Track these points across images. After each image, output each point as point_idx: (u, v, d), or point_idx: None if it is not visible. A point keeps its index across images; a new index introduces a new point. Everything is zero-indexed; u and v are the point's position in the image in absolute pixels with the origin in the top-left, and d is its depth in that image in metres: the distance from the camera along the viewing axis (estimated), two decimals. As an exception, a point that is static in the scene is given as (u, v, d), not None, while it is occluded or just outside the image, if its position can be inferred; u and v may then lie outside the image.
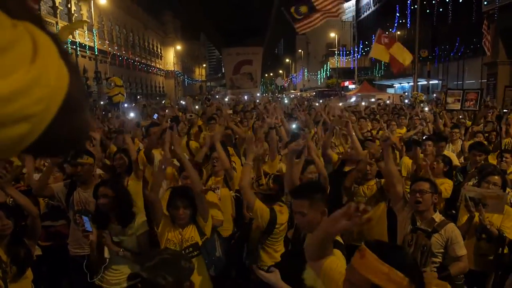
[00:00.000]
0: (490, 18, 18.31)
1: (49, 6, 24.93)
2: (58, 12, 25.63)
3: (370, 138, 6.06)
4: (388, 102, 15.97)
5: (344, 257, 2.05)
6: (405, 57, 14.65)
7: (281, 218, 3.11)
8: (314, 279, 2.02)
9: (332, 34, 43.90)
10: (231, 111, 9.89)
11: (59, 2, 25.81)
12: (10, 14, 0.42)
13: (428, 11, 23.96)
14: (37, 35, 0.44)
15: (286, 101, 17.15)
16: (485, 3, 18.82)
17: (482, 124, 7.38)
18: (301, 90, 50.98)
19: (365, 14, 43.19)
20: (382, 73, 36.86)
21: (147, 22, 44.98)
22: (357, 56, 38.79)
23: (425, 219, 2.93)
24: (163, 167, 2.95)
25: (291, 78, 63.59)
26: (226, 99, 15.49)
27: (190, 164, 3.16)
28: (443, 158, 4.45)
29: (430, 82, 25.43)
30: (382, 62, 34.55)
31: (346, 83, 43.32)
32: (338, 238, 2.18)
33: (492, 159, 4.85)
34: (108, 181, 3.24)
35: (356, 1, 47.23)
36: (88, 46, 27.51)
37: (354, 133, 4.49)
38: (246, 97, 24.24)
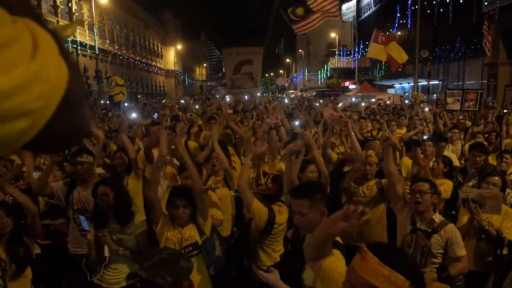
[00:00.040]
0: (490, 19, 18.29)
1: (50, 5, 24.92)
2: (59, 11, 25.62)
3: (370, 138, 6.06)
4: (388, 102, 15.97)
5: (344, 257, 2.05)
6: (402, 56, 14.86)
7: (279, 218, 3.11)
8: (314, 279, 2.02)
9: (333, 34, 43.88)
10: (231, 111, 9.89)
11: (60, 1, 25.80)
12: (10, 11, 0.42)
13: (428, 11, 23.94)
14: (37, 31, 0.45)
15: (286, 101, 17.14)
16: (486, 3, 18.81)
17: (482, 125, 7.38)
18: (301, 90, 50.96)
19: (366, 14, 43.17)
20: (382, 74, 36.85)
21: (148, 21, 44.97)
22: (358, 56, 38.76)
23: (425, 219, 2.93)
24: (159, 165, 2.94)
25: (292, 78, 63.57)
26: (228, 99, 15.51)
27: (191, 163, 3.16)
28: (443, 159, 4.45)
29: (431, 82, 25.42)
30: (383, 63, 34.56)
31: (347, 83, 43.30)
32: (338, 238, 2.18)
33: (492, 160, 4.84)
34: (107, 180, 3.24)
35: (356, 1, 47.23)
36: (89, 45, 27.51)
37: (353, 133, 4.49)
38: (246, 97, 24.23)
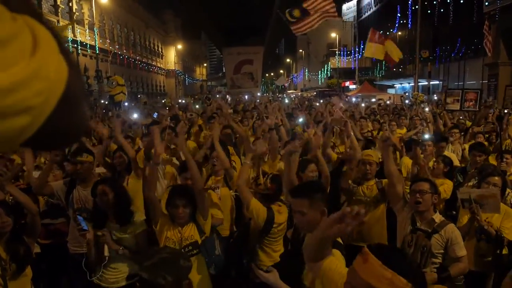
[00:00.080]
0: (491, 19, 18.29)
1: (51, 5, 24.92)
2: (59, 10, 25.62)
3: (370, 138, 6.06)
4: (388, 102, 15.98)
5: (344, 257, 2.04)
6: (397, 54, 15.22)
7: (279, 218, 3.11)
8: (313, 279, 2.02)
9: (333, 34, 43.85)
10: (231, 110, 9.89)
11: (61, 1, 25.80)
12: (9, 8, 0.42)
13: (429, 11, 23.93)
14: (36, 28, 0.45)
15: (286, 101, 17.15)
16: (486, 3, 18.80)
17: (483, 125, 7.37)
18: (301, 90, 50.95)
19: (366, 14, 43.16)
20: (383, 74, 36.83)
21: (148, 21, 44.97)
22: (358, 56, 38.76)
23: (425, 219, 2.92)
24: (155, 164, 2.94)
25: (292, 78, 63.57)
26: (229, 99, 15.58)
27: (193, 161, 3.16)
28: (444, 159, 4.44)
29: (431, 82, 25.40)
30: (383, 62, 34.55)
31: (347, 83, 43.29)
32: (337, 238, 2.18)
33: (493, 160, 4.84)
34: (106, 180, 3.24)
35: (357, 1, 47.23)
36: (89, 44, 27.51)
37: (352, 133, 4.50)
38: (246, 96, 24.23)
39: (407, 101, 14.77)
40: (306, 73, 55.26)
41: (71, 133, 0.52)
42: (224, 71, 54.20)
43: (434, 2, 24.12)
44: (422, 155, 4.58)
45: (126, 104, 12.44)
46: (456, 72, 25.03)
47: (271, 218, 3.06)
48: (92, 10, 26.71)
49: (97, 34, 27.81)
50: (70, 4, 27.29)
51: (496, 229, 3.20)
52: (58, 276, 4.08)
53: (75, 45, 25.12)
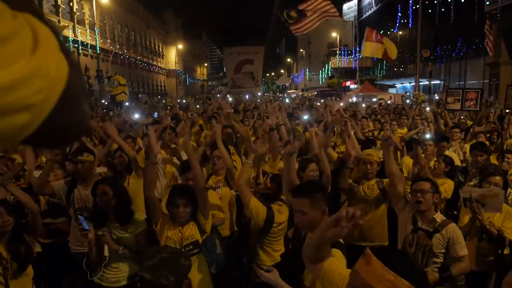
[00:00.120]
0: (492, 18, 18.26)
1: (51, 5, 24.93)
2: (60, 10, 25.64)
3: (371, 137, 6.05)
4: (389, 102, 15.97)
5: (345, 257, 2.04)
6: (395, 51, 15.69)
7: (279, 217, 3.11)
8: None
9: (334, 34, 43.84)
10: (232, 110, 9.89)
11: (61, 1, 25.82)
12: (10, 5, 0.42)
13: (430, 11, 23.92)
14: (37, 26, 0.45)
15: (287, 101, 17.16)
16: (488, 3, 18.78)
17: (484, 125, 7.36)
18: (302, 90, 50.95)
19: (367, 14, 43.15)
20: (383, 73, 36.83)
21: (149, 21, 44.98)
22: (359, 56, 38.75)
23: (426, 219, 2.92)
24: (152, 163, 2.94)
25: (293, 78, 63.56)
26: (230, 99, 15.58)
27: (196, 161, 3.16)
28: (445, 158, 4.44)
29: (432, 82, 25.37)
30: (384, 62, 34.53)
31: (348, 83, 43.29)
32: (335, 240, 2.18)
33: (494, 160, 4.83)
34: (106, 179, 3.25)
35: (358, 1, 47.22)
36: (90, 44, 27.52)
37: (352, 133, 4.49)
38: (247, 96, 24.23)
39: (408, 101, 14.76)
40: (307, 72, 55.27)
41: (72, 131, 0.52)
42: (224, 71, 54.17)
43: (435, 2, 24.10)
44: (423, 155, 4.57)
45: (127, 104, 12.46)
46: (457, 72, 25.01)
47: (271, 218, 3.06)
48: (93, 10, 26.72)
49: (98, 34, 27.81)
50: (71, 4, 27.31)
51: (498, 228, 3.20)
52: (59, 275, 4.08)
53: (76, 45, 25.14)
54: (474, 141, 5.87)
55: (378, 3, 38.57)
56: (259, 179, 3.28)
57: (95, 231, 2.95)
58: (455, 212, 3.97)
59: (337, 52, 43.91)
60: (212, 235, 2.94)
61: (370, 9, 41.83)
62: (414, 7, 25.74)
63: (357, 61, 38.79)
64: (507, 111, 7.86)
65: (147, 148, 4.52)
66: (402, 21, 29.87)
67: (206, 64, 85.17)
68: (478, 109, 8.25)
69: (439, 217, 2.93)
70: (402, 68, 33.00)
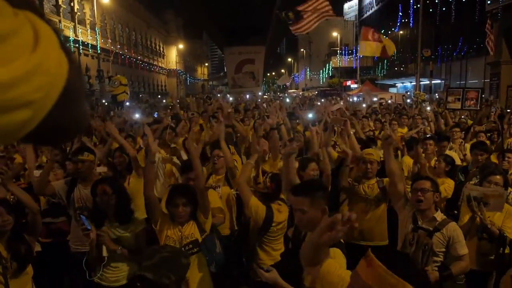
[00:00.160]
0: (493, 18, 18.22)
1: (52, 5, 24.95)
2: (61, 10, 25.66)
3: (372, 137, 6.05)
4: (390, 101, 15.97)
5: (345, 256, 2.04)
6: (392, 48, 16.05)
7: (278, 217, 3.11)
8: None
9: (335, 34, 43.83)
10: (232, 109, 9.90)
11: (62, 1, 25.83)
12: (11, 3, 0.43)
13: (431, 10, 23.89)
14: (37, 24, 0.45)
15: (288, 100, 17.17)
16: (489, 2, 18.74)
17: (485, 124, 7.35)
18: (303, 90, 50.95)
19: (368, 13, 43.12)
20: (384, 73, 36.79)
21: (150, 21, 44.99)
22: (360, 55, 38.71)
23: (427, 218, 2.91)
24: (150, 163, 2.94)
25: (293, 77, 63.55)
26: (231, 99, 15.63)
27: (199, 160, 3.16)
28: (445, 158, 4.43)
29: (433, 81, 25.33)
30: (385, 62, 34.49)
31: (348, 83, 43.25)
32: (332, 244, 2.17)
33: (495, 159, 4.82)
34: (106, 179, 3.25)
35: (358, 1, 47.18)
36: (91, 44, 27.54)
37: (353, 132, 4.49)
38: (248, 96, 24.23)
39: (408, 100, 14.75)
40: (308, 72, 55.26)
41: (72, 128, 0.53)
42: (225, 70, 54.18)
43: (436, 1, 24.08)
44: (423, 154, 4.56)
45: (127, 103, 12.46)
46: (458, 71, 24.97)
47: (270, 217, 3.06)
48: (94, 10, 26.75)
49: (98, 34, 27.82)
50: (72, 4, 27.32)
51: (498, 228, 3.19)
52: (59, 275, 4.09)
53: (77, 45, 25.13)
54: (474, 140, 5.87)
55: (379, 2, 38.55)
56: (259, 179, 3.29)
57: (97, 231, 2.95)
58: (456, 212, 3.96)
59: (338, 51, 43.88)
60: (211, 234, 2.94)
61: (371, 9, 41.80)
62: (415, 7, 25.72)
63: (358, 61, 38.72)
64: (507, 111, 7.85)
65: (147, 147, 4.54)
66: (403, 20, 29.84)
67: (206, 64, 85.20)
68: (479, 108, 8.23)
69: (439, 216, 2.92)
70: (402, 67, 32.97)
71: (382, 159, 3.88)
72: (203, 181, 3.07)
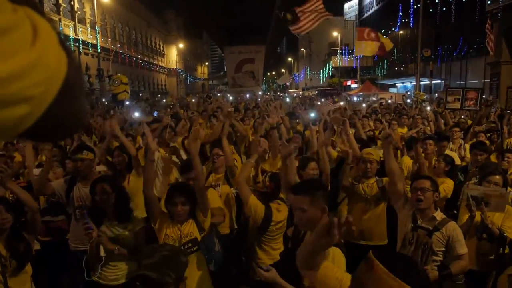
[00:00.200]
0: (493, 18, 18.23)
1: (52, 4, 24.93)
2: (61, 9, 25.64)
3: (372, 137, 6.05)
4: (390, 101, 15.98)
5: (344, 255, 2.04)
6: (389, 45, 16.22)
7: (277, 216, 3.11)
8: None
9: (335, 33, 43.83)
10: (231, 109, 9.90)
11: (63, 0, 25.83)
12: None
13: (431, 10, 23.89)
14: (36, 20, 0.45)
15: (288, 100, 17.18)
16: (489, 2, 18.75)
17: (484, 124, 7.35)
18: (303, 89, 50.94)
19: (368, 13, 43.11)
20: (384, 73, 36.79)
21: (150, 20, 44.97)
22: (360, 55, 38.71)
23: (426, 217, 2.91)
24: (149, 161, 2.94)
25: (294, 77, 63.55)
26: (231, 98, 15.68)
27: (199, 160, 3.16)
28: (445, 158, 4.43)
29: (433, 81, 25.34)
30: (385, 61, 34.49)
31: (349, 82, 43.26)
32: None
33: (494, 159, 4.82)
34: (105, 178, 3.25)
35: (359, 0, 47.16)
36: (91, 43, 27.52)
37: (354, 131, 4.49)
38: (248, 95, 24.24)
39: (408, 100, 14.75)
40: (308, 72, 55.25)
41: (70, 124, 0.53)
42: (225, 70, 54.16)
43: (436, 1, 24.08)
44: (423, 154, 4.56)
45: (127, 102, 12.45)
46: (458, 71, 24.97)
47: (269, 216, 3.06)
48: (94, 9, 26.75)
49: (98, 33, 27.80)
50: (72, 3, 27.30)
51: (498, 228, 3.19)
52: (58, 273, 4.09)
53: (77, 44, 25.12)
54: (474, 140, 5.87)
55: (379, 2, 38.54)
56: (258, 178, 3.29)
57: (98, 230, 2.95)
58: (455, 212, 3.96)
59: (338, 51, 43.87)
60: (210, 233, 2.94)
61: (371, 9, 41.79)
62: (415, 6, 25.71)
63: (358, 61, 38.71)
64: (507, 111, 7.85)
65: (146, 146, 4.53)
66: (403, 20, 29.84)
67: (207, 63, 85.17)
68: (478, 108, 8.23)
69: (439, 215, 2.92)
70: (403, 67, 32.98)
71: (381, 158, 3.88)
72: (203, 180, 3.07)
